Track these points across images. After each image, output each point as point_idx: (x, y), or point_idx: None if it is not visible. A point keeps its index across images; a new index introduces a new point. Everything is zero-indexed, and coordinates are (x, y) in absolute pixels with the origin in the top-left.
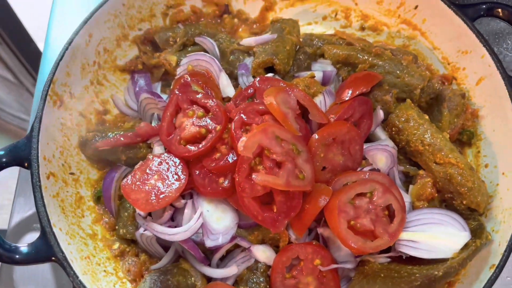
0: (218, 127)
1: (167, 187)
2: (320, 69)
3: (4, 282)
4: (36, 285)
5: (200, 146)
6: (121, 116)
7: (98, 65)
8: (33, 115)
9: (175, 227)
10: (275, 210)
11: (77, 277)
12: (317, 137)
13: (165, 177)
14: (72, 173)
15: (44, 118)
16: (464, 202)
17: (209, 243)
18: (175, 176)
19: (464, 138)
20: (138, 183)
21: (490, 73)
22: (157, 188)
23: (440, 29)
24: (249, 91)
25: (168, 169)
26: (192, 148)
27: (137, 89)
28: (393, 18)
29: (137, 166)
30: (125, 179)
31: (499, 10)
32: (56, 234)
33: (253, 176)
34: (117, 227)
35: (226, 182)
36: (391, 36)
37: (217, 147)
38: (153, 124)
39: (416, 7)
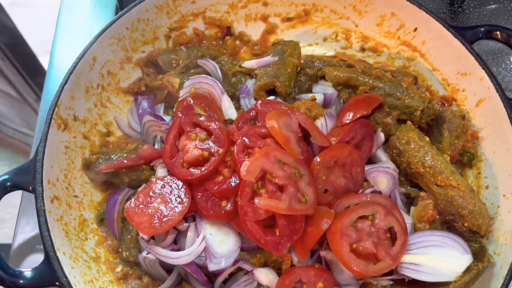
0: (221, 150)
1: (170, 210)
2: (321, 91)
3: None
4: None
5: (203, 169)
6: (124, 138)
7: (101, 87)
8: (37, 134)
9: (178, 250)
10: (277, 234)
11: None
12: (318, 160)
13: (168, 200)
14: (75, 196)
15: (48, 141)
16: (466, 224)
17: (212, 267)
18: (178, 199)
19: (465, 160)
20: (141, 206)
21: (489, 95)
22: (160, 211)
23: (439, 51)
24: (251, 114)
25: (171, 192)
26: (195, 171)
27: (140, 111)
28: (393, 40)
29: (140, 189)
30: (128, 202)
31: (498, 32)
32: (60, 259)
33: (256, 200)
34: (120, 249)
35: (229, 206)
36: (391, 57)
37: (219, 170)
38: (156, 146)
39: (415, 29)
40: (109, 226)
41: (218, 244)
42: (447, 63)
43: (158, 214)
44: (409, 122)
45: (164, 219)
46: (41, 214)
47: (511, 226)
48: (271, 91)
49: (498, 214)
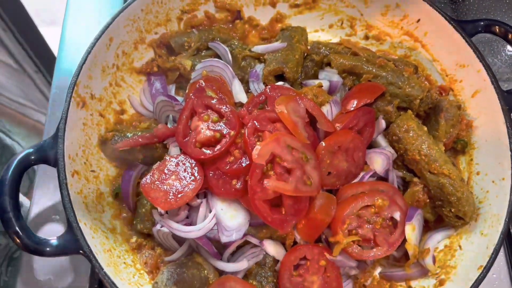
0: (232, 132)
1: (184, 187)
2: (327, 77)
3: (25, 271)
4: (55, 275)
5: (216, 149)
6: (137, 116)
7: (116, 67)
8: (50, 110)
9: (190, 224)
10: (283, 212)
11: (102, 269)
12: (324, 145)
13: (182, 177)
14: (93, 171)
15: (68, 119)
16: (453, 210)
17: (224, 239)
18: (192, 177)
19: (459, 147)
20: (157, 182)
21: (485, 86)
22: (175, 188)
23: (440, 43)
24: (260, 98)
25: (185, 170)
26: (207, 151)
27: (153, 91)
28: (396, 30)
29: (155, 166)
30: (144, 179)
31: (496, 27)
32: (82, 229)
33: (265, 182)
34: (134, 222)
35: (239, 184)
36: (393, 46)
37: (230, 151)
38: (168, 126)
39: (418, 20)
40: (124, 200)
41: (229, 218)
42: (446, 54)
43: (173, 190)
44: (409, 112)
45: (179, 195)
46: (63, 187)
47: (498, 210)
48: (279, 76)
49: (487, 199)
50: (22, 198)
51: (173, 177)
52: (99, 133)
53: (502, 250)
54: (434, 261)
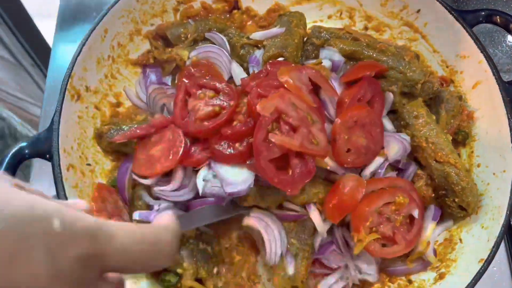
0: (232, 102)
1: (169, 155)
2: (328, 56)
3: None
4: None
5: (217, 119)
6: (133, 108)
7: (112, 59)
8: (45, 102)
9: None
10: (290, 173)
11: None
12: (339, 121)
13: (166, 147)
14: (88, 164)
15: (63, 111)
16: (456, 200)
17: (228, 189)
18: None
19: (459, 138)
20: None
21: (486, 78)
22: (157, 156)
23: (440, 33)
24: (261, 75)
25: (169, 141)
26: (209, 123)
27: (148, 83)
28: (396, 20)
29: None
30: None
31: (497, 17)
32: None
33: (270, 136)
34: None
35: (242, 147)
36: (393, 37)
37: (233, 119)
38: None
39: (418, 11)
40: (120, 192)
41: (231, 176)
42: (447, 45)
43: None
44: (420, 99)
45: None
46: (59, 182)
47: (499, 203)
48: None
49: (488, 191)
50: None
51: (158, 148)
52: (94, 126)
53: (502, 243)
54: (435, 254)
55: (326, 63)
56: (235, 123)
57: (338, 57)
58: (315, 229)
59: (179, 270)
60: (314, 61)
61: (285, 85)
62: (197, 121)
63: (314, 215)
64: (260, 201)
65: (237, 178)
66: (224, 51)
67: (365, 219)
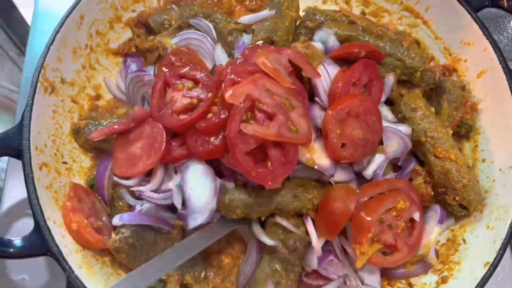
0: (210, 95)
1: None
2: (323, 38)
3: None
4: (30, 274)
5: (193, 113)
6: (114, 101)
7: (90, 48)
8: (22, 96)
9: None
10: (269, 166)
11: (73, 272)
12: (330, 113)
13: (146, 146)
14: (64, 162)
15: (35, 105)
16: (457, 198)
17: (192, 224)
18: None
19: (462, 131)
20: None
21: (492, 66)
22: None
23: (443, 19)
24: (238, 61)
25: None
26: (185, 117)
27: (129, 73)
28: (395, 5)
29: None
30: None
31: (504, 1)
32: (50, 228)
33: (241, 126)
34: (111, 216)
35: (218, 141)
36: (392, 23)
37: (209, 111)
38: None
39: None
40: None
41: (197, 198)
42: (450, 31)
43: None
44: (418, 90)
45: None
46: (29, 182)
47: (505, 201)
48: None
49: (493, 188)
50: None
51: (138, 145)
52: (71, 121)
53: None
54: (437, 255)
55: (319, 47)
56: (209, 115)
57: (333, 41)
58: (305, 249)
59: (163, 277)
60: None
61: (262, 67)
62: (173, 114)
63: (311, 229)
64: (250, 212)
65: (200, 199)
66: (208, 37)
67: (367, 230)
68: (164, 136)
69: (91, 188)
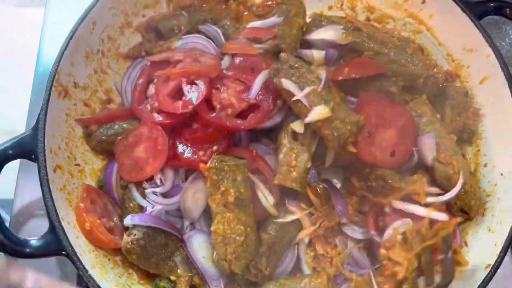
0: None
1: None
2: (327, 36)
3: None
4: (43, 272)
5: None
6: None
7: (101, 53)
8: (32, 99)
9: None
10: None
11: (87, 271)
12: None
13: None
14: (77, 165)
15: (49, 109)
16: (458, 203)
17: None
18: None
19: (465, 137)
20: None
21: (494, 73)
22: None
23: (446, 26)
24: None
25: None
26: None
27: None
28: (400, 12)
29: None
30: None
31: (507, 9)
32: (65, 228)
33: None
34: (122, 218)
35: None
36: (396, 30)
37: None
38: None
39: (423, 1)
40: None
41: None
42: (453, 38)
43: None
44: (424, 96)
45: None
46: (44, 184)
47: (507, 205)
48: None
49: (495, 192)
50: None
51: (141, 148)
52: (83, 124)
53: None
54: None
55: (320, 54)
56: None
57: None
58: None
59: (172, 277)
60: (310, 51)
61: None
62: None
63: None
64: None
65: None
66: (212, 42)
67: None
68: (166, 137)
69: (101, 189)
